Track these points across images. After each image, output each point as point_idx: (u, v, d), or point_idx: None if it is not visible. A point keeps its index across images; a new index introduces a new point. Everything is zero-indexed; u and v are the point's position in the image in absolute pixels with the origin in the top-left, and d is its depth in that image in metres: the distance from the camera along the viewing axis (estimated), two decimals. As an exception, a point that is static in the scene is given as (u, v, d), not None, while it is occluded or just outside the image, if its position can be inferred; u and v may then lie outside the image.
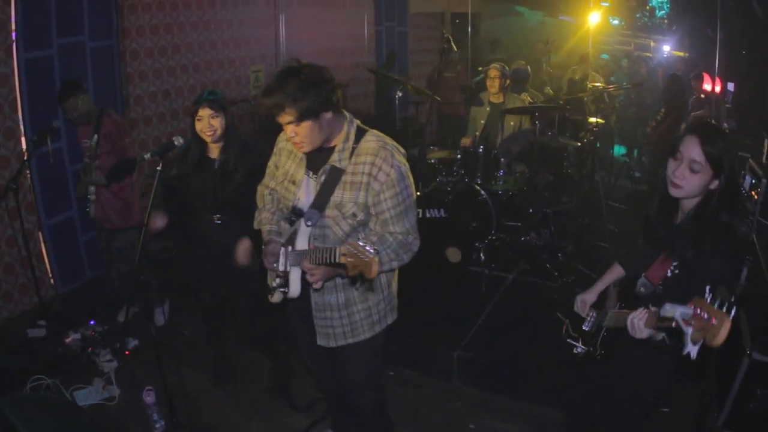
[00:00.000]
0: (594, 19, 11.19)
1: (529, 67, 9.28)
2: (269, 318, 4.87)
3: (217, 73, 8.50)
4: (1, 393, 4.12)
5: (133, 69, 7.25)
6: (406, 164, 3.34)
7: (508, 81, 7.76)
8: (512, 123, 7.55)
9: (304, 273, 3.29)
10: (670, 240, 3.00)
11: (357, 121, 3.42)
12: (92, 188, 5.69)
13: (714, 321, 2.26)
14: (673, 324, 2.39)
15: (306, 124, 3.13)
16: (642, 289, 3.03)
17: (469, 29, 12.26)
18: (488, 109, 7.68)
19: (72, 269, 6.80)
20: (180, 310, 6.21)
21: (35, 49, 6.01)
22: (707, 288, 2.38)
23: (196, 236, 4.62)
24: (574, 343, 3.39)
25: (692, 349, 2.34)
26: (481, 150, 6.81)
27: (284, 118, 3.12)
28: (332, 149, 3.32)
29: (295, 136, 3.19)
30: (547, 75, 12.28)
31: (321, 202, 3.32)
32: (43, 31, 6.09)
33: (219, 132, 4.26)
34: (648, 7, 17.31)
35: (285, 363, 5.13)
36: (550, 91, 10.76)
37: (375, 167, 3.23)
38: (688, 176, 2.86)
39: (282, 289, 3.50)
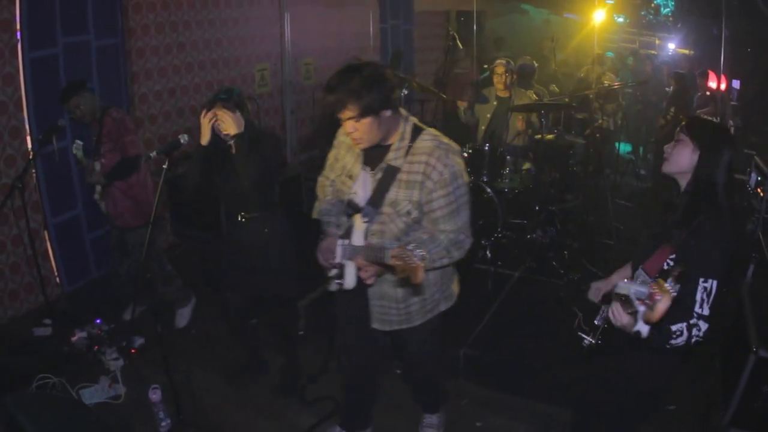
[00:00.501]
0: (599, 16, 11.16)
1: (535, 62, 9.25)
2: (292, 318, 4.93)
3: (222, 71, 8.50)
4: (8, 391, 4.12)
5: (139, 67, 7.25)
6: (461, 163, 3.44)
7: (514, 76, 7.75)
8: (519, 119, 7.54)
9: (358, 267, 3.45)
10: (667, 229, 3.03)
11: (413, 119, 3.51)
12: (98, 187, 5.69)
13: (657, 297, 2.28)
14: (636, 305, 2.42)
15: (366, 121, 3.22)
16: (639, 280, 3.04)
17: (475, 27, 12.23)
18: (495, 104, 7.67)
19: (78, 268, 6.80)
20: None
21: (40, 48, 6.01)
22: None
23: (222, 235, 4.64)
24: (584, 336, 3.40)
25: (642, 328, 2.39)
26: (487, 148, 6.80)
27: (346, 114, 3.21)
28: (388, 147, 3.43)
29: (355, 131, 3.28)
30: (553, 72, 12.26)
31: (377, 199, 3.42)
32: (48, 30, 6.09)
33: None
34: (653, 5, 17.27)
35: (298, 362, 5.14)
36: (556, 88, 10.72)
37: (429, 166, 3.32)
38: (673, 148, 2.99)
39: (338, 281, 3.60)
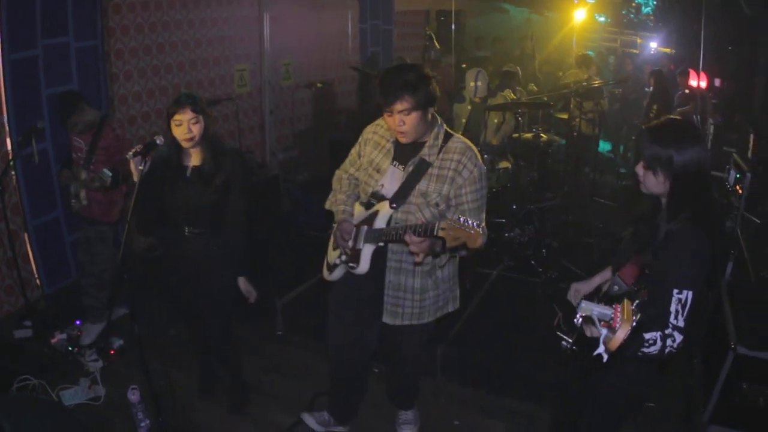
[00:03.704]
0: (579, 15, 11.22)
1: (519, 69, 9.30)
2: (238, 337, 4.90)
3: (201, 71, 8.48)
4: (-13, 393, 4.12)
5: (118, 69, 7.22)
6: (485, 168, 3.70)
7: (488, 84, 7.82)
8: (495, 120, 7.58)
9: (375, 251, 3.75)
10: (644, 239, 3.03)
11: (445, 125, 3.75)
12: (83, 193, 5.60)
13: (617, 324, 2.29)
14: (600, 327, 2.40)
15: (416, 115, 3.49)
16: (615, 288, 3.03)
17: (453, 26, 12.26)
18: (469, 107, 7.72)
19: (58, 270, 6.76)
20: (167, 308, 6.19)
21: (20, 50, 5.98)
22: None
23: (167, 248, 4.57)
24: (562, 336, 3.41)
25: (604, 353, 2.35)
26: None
27: (399, 106, 3.46)
28: (422, 144, 3.69)
29: (403, 125, 3.53)
30: (533, 72, 12.32)
31: (406, 189, 3.68)
32: (28, 32, 6.05)
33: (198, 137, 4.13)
34: (634, 4, 17.39)
35: (240, 375, 4.98)
36: (535, 87, 10.78)
37: (461, 164, 3.62)
38: (643, 173, 2.92)
39: (351, 264, 3.79)
